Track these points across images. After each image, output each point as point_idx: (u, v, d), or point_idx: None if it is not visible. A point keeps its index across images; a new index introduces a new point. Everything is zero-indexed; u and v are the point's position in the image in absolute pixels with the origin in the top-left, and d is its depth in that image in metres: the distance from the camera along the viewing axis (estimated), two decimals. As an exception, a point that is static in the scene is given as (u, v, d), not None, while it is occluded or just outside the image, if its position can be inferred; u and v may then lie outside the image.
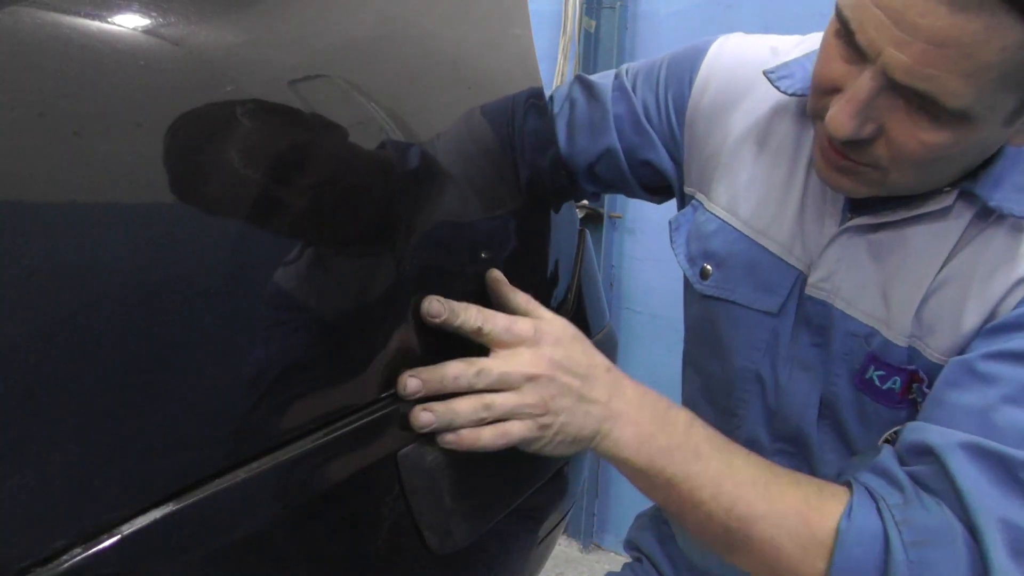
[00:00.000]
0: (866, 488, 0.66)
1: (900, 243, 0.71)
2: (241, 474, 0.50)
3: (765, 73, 0.77)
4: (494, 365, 0.61)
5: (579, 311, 0.89)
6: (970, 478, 0.62)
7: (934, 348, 0.70)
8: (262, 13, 0.55)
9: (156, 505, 0.46)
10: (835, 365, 0.75)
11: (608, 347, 0.95)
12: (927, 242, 0.69)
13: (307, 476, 0.55)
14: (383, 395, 0.62)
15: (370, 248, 0.61)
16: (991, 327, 0.66)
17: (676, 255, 0.87)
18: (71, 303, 0.42)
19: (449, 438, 0.60)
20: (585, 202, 2.02)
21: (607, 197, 2.01)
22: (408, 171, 0.64)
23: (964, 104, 0.57)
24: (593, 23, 2.03)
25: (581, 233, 0.93)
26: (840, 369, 0.75)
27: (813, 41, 0.78)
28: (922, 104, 0.59)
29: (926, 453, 0.65)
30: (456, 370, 0.59)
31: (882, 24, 0.57)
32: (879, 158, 0.64)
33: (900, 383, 0.71)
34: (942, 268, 0.69)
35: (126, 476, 0.45)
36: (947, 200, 0.68)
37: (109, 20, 0.45)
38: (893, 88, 0.60)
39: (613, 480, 2.20)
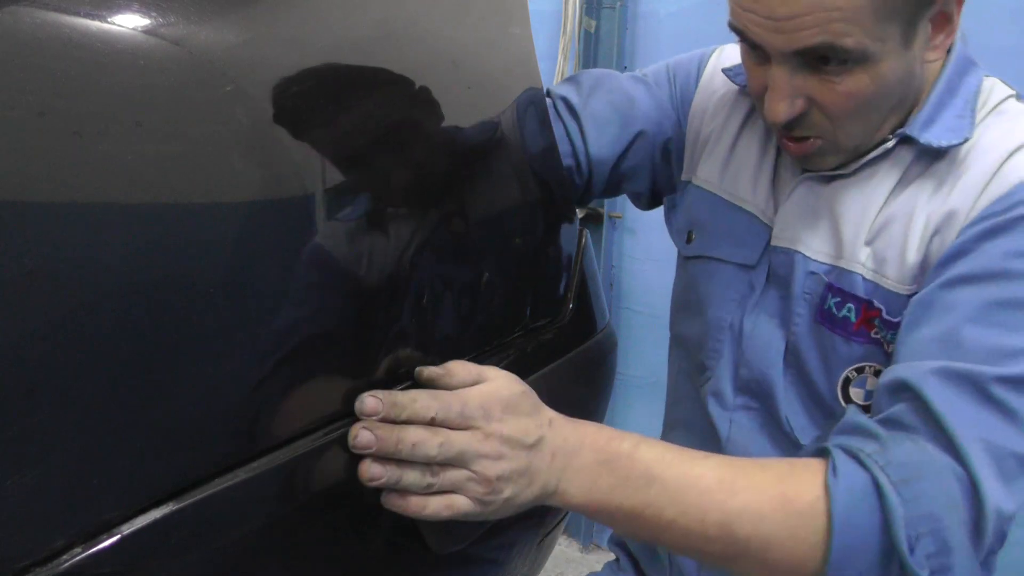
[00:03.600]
0: (841, 447, 0.67)
1: (849, 188, 0.78)
2: (241, 474, 0.50)
3: (724, 71, 0.88)
4: (456, 440, 0.60)
5: (579, 311, 0.89)
6: (947, 402, 0.64)
7: (890, 277, 0.74)
8: (262, 13, 0.55)
9: (156, 505, 0.46)
10: (797, 306, 0.79)
11: (608, 347, 0.96)
12: (871, 183, 0.76)
13: (307, 476, 0.55)
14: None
15: (370, 248, 0.61)
16: (940, 261, 0.70)
17: (669, 231, 0.95)
18: (71, 303, 0.42)
19: (397, 502, 0.59)
20: (585, 202, 2.01)
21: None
22: (408, 171, 0.64)
23: (857, 42, 0.65)
24: (593, 23, 2.03)
25: (581, 233, 0.93)
26: (801, 309, 0.79)
27: None
28: (826, 58, 0.67)
29: (901, 390, 0.67)
30: (417, 437, 0.58)
31: (756, 20, 0.67)
32: (820, 125, 0.72)
33: (855, 312, 0.75)
34: (886, 204, 0.75)
35: (126, 476, 0.45)
36: (888, 146, 0.75)
37: (109, 20, 0.45)
38: (799, 62, 0.69)
39: (613, 480, 2.20)
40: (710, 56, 0.93)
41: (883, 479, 0.63)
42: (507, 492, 0.62)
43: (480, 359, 0.72)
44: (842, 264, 0.76)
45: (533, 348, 0.80)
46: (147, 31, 0.47)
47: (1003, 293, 0.67)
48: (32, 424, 0.40)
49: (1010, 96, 0.76)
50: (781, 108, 0.70)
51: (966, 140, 0.72)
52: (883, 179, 0.76)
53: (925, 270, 0.72)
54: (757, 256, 0.83)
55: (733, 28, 0.71)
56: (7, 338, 0.40)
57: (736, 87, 0.88)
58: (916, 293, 0.72)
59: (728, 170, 0.87)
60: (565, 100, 0.91)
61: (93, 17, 0.45)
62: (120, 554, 0.44)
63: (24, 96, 0.41)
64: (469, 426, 0.61)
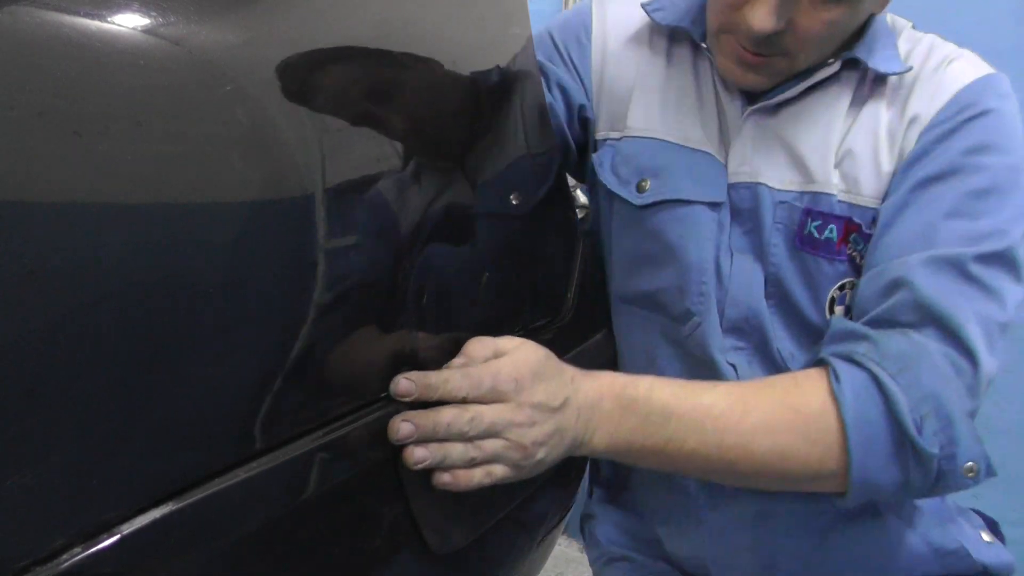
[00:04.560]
0: (835, 355, 0.72)
1: (800, 115, 0.80)
2: (241, 473, 0.50)
3: (643, 6, 0.88)
4: (486, 413, 0.63)
5: (579, 310, 0.89)
6: (936, 286, 0.70)
7: (864, 194, 0.78)
8: (262, 13, 0.55)
9: (156, 505, 0.46)
10: (771, 236, 0.80)
11: (607, 347, 0.96)
12: (824, 108, 0.80)
13: (307, 476, 0.55)
14: (383, 395, 0.62)
15: (370, 248, 0.61)
16: (904, 165, 0.76)
17: (605, 184, 0.89)
18: (71, 303, 0.42)
19: (445, 479, 0.62)
20: (585, 202, 2.01)
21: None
22: (407, 172, 0.64)
23: None
24: (593, 23, 2.02)
25: (581, 233, 0.93)
26: (776, 238, 0.80)
27: None
28: None
29: (893, 287, 0.72)
30: (449, 416, 0.61)
31: None
32: (787, 46, 0.75)
33: (837, 232, 0.78)
34: (846, 126, 0.79)
35: (126, 475, 0.45)
36: (833, 68, 0.79)
37: (109, 20, 0.45)
38: None
39: (613, 480, 2.19)
40: (591, 9, 0.92)
41: (881, 373, 0.68)
42: (540, 454, 0.65)
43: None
44: (815, 188, 0.79)
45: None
46: (147, 31, 0.47)
47: (967, 185, 0.73)
48: (32, 424, 0.40)
49: (907, 25, 0.84)
50: (770, 19, 0.72)
51: (910, 69, 0.78)
52: (834, 103, 0.79)
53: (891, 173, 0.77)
54: (724, 193, 0.83)
55: None
56: (7, 338, 0.40)
57: (643, 27, 0.89)
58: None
59: (667, 114, 0.87)
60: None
61: (93, 17, 0.45)
62: (120, 554, 0.44)
63: (24, 96, 0.41)
64: (502, 399, 0.63)
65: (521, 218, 0.79)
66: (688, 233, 0.84)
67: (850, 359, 0.71)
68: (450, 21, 0.73)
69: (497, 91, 0.76)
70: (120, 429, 0.44)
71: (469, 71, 0.73)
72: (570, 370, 0.69)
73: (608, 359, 0.96)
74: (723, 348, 0.83)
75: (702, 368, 0.85)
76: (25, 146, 0.41)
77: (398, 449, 0.61)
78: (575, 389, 0.68)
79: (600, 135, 0.92)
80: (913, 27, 0.84)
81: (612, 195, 0.89)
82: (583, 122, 0.93)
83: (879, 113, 0.79)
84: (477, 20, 0.77)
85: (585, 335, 0.90)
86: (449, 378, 0.62)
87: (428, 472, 0.62)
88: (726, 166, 0.83)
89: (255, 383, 0.52)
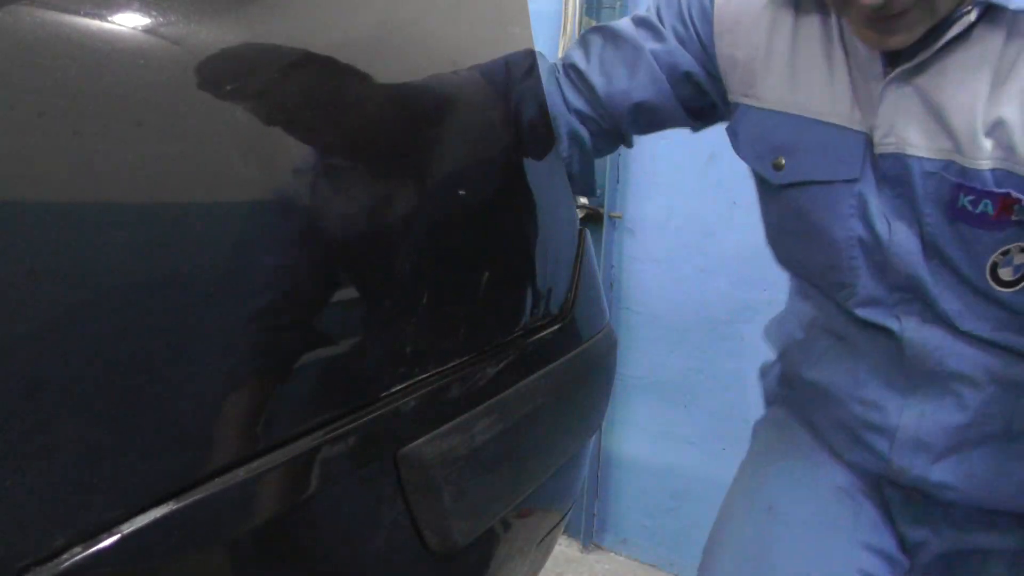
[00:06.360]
0: None
1: (943, 78, 0.75)
2: (241, 473, 0.50)
3: None
4: None
5: (579, 311, 0.89)
6: None
7: (1022, 161, 0.72)
8: (262, 13, 0.55)
9: (156, 504, 0.46)
10: (924, 206, 0.78)
11: (608, 347, 0.95)
12: (970, 67, 0.74)
13: (307, 475, 0.55)
14: (383, 394, 0.62)
15: (369, 249, 0.61)
16: None
17: (743, 158, 0.91)
18: (71, 302, 0.42)
19: None
20: (585, 202, 2.02)
21: (607, 197, 2.01)
22: (407, 172, 0.64)
23: None
24: (593, 23, 2.02)
25: (581, 233, 0.93)
26: (929, 208, 0.78)
27: None
28: None
29: None
30: None
31: None
32: None
33: (992, 206, 0.75)
34: (994, 88, 0.73)
35: (126, 475, 0.45)
36: (970, 17, 0.72)
37: (109, 20, 0.45)
38: None
39: (613, 480, 2.20)
40: None
41: None
42: None
43: (480, 359, 0.72)
44: (963, 161, 0.75)
45: (533, 348, 0.80)
46: (147, 31, 0.47)
47: None
48: (32, 424, 0.40)
49: None
50: None
51: None
52: (979, 61, 0.73)
53: None
54: (859, 167, 0.81)
55: None
56: (7, 338, 0.40)
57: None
58: None
59: (797, 86, 0.84)
60: (573, 66, 0.95)
61: (93, 17, 0.45)
62: (120, 553, 0.44)
63: (24, 96, 0.41)
64: None
65: (521, 218, 0.79)
66: (830, 214, 0.84)
67: None
68: (450, 21, 0.73)
69: (497, 91, 0.76)
70: (120, 428, 0.44)
71: (469, 71, 0.73)
72: None
73: (607, 360, 0.96)
74: (891, 303, 0.84)
75: (868, 328, 0.86)
76: (25, 146, 0.41)
77: (398, 448, 0.61)
78: None
79: (733, 98, 0.92)
80: None
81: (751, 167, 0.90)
82: (700, 82, 0.93)
83: None
84: (477, 20, 0.77)
85: (585, 336, 0.90)
86: None
87: (428, 472, 0.62)
88: (866, 136, 0.81)
89: (256, 382, 0.52)
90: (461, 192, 0.70)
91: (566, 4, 2.04)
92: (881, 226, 0.81)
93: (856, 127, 0.81)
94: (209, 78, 0.49)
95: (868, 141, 0.81)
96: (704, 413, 2.01)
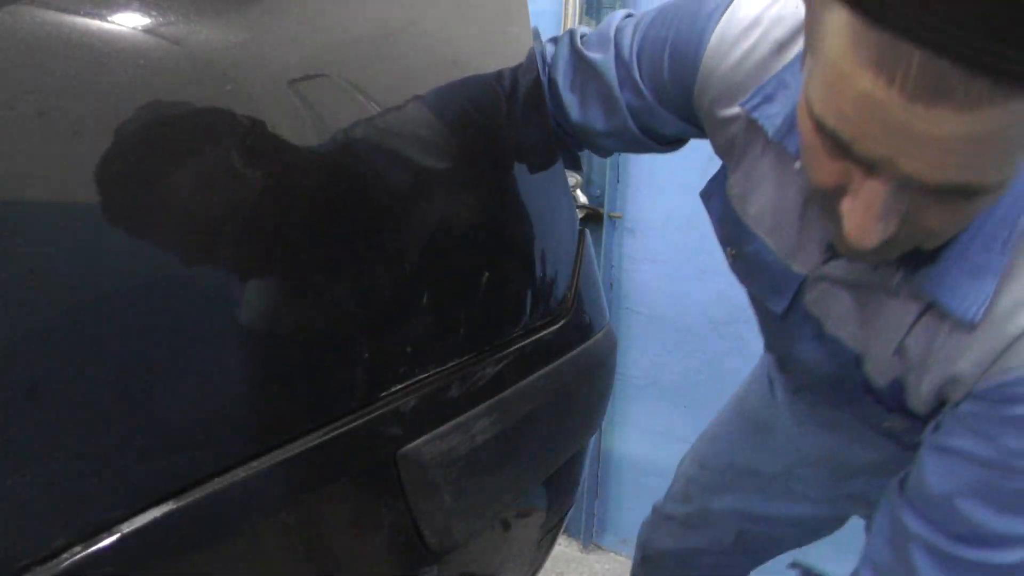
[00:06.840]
0: None
1: (871, 296, 0.70)
2: (241, 473, 0.50)
3: (747, 111, 0.70)
4: None
5: (579, 311, 0.89)
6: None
7: (912, 389, 0.72)
8: (262, 13, 0.55)
9: (156, 504, 0.46)
10: (835, 357, 0.79)
11: (608, 347, 0.95)
12: (892, 309, 0.69)
13: (307, 475, 0.55)
14: (383, 394, 0.62)
15: (369, 247, 0.61)
16: (937, 422, 0.70)
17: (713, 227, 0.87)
18: (71, 302, 0.42)
19: None
20: (585, 202, 2.02)
21: (607, 197, 2.01)
22: (407, 171, 0.64)
23: (1006, 175, 0.50)
24: (593, 23, 2.03)
25: (581, 233, 0.93)
26: (845, 358, 0.78)
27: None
28: (956, 191, 0.51)
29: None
30: None
31: (886, 135, 0.49)
32: (908, 240, 0.57)
33: (885, 405, 0.78)
34: (908, 332, 0.69)
35: (126, 475, 0.45)
36: (892, 282, 0.66)
37: (109, 20, 0.45)
38: (916, 186, 0.51)
39: (613, 480, 2.20)
40: (709, 37, 0.73)
41: None
42: None
43: (480, 359, 0.72)
44: (870, 371, 0.74)
45: (533, 348, 0.80)
46: (147, 31, 0.47)
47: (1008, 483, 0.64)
48: (33, 423, 0.40)
49: None
50: (873, 233, 0.53)
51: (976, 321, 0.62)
52: (902, 309, 0.68)
53: (939, 402, 0.71)
54: (786, 306, 0.78)
55: (824, 131, 0.52)
56: (7, 338, 0.40)
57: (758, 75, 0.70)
58: (928, 416, 0.73)
59: (758, 197, 0.76)
60: (553, 81, 0.86)
61: (93, 17, 0.45)
62: (120, 553, 0.44)
63: (24, 96, 0.41)
64: None
65: (521, 218, 0.79)
66: (761, 309, 0.87)
67: None
68: (450, 21, 0.73)
69: (496, 91, 0.76)
70: (120, 428, 0.44)
71: (469, 70, 0.73)
72: None
73: (607, 360, 0.96)
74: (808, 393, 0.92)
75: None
76: (25, 146, 0.41)
77: (398, 448, 0.61)
78: None
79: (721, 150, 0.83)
80: None
81: None
82: (677, 133, 0.85)
83: (935, 345, 0.66)
84: (477, 20, 0.77)
85: (585, 336, 0.90)
86: None
87: (428, 472, 0.62)
88: (802, 280, 0.76)
89: (256, 382, 0.52)
90: (461, 192, 0.70)
91: (566, 4, 2.04)
92: (798, 345, 0.82)
93: (795, 269, 0.75)
94: (209, 78, 0.49)
95: (803, 283, 0.76)
96: (704, 413, 2.01)
